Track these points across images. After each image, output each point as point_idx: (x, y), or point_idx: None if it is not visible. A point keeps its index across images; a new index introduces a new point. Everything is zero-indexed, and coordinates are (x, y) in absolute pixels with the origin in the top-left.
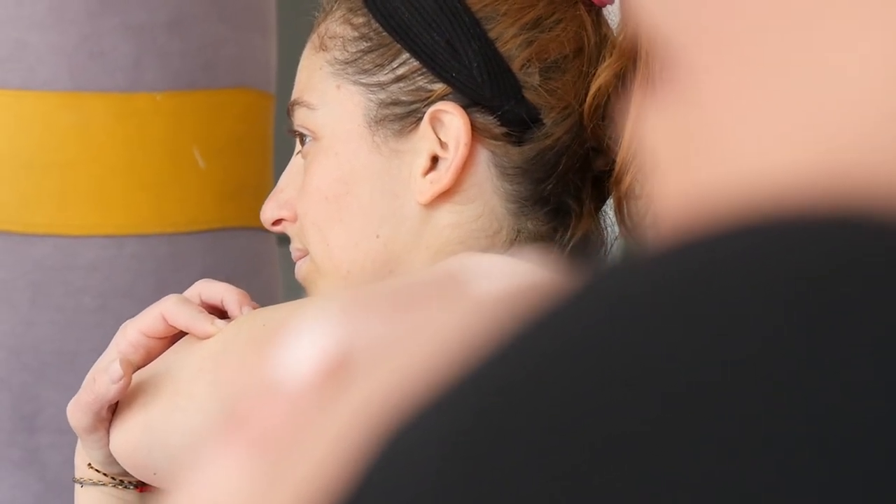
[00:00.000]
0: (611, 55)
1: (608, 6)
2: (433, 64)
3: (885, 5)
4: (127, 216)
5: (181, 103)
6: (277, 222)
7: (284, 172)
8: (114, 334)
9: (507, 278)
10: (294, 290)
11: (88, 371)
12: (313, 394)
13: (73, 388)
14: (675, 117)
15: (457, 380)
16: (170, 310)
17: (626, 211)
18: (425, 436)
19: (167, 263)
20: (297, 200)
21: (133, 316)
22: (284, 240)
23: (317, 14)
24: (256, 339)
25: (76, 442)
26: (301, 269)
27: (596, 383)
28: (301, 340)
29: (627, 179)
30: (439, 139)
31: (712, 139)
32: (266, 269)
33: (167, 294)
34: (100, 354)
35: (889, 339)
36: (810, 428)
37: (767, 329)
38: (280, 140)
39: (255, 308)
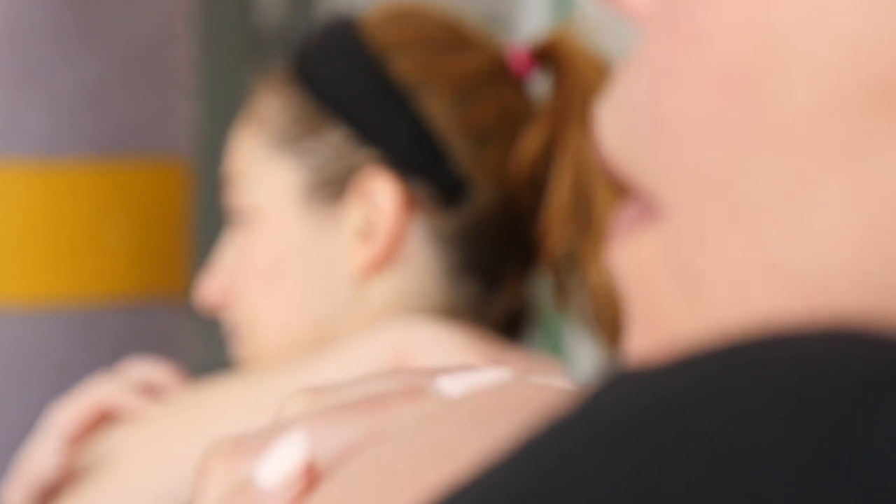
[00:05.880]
0: (536, 124)
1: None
2: (362, 134)
3: (853, 162)
4: (39, 287)
5: (97, 173)
6: (213, 300)
7: (219, 250)
8: (19, 407)
9: (466, 379)
10: (206, 364)
11: None
12: (286, 495)
13: None
14: (658, 250)
15: (469, 488)
16: (103, 391)
17: (557, 283)
18: None
19: (79, 336)
20: (231, 277)
21: (41, 390)
22: (203, 314)
23: (249, 87)
24: (195, 418)
25: None
26: (237, 345)
27: None
28: (278, 450)
29: (558, 251)
30: (370, 208)
31: (692, 282)
32: (179, 343)
33: (77, 368)
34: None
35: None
36: None
37: (785, 451)
38: (200, 206)
39: (186, 384)
